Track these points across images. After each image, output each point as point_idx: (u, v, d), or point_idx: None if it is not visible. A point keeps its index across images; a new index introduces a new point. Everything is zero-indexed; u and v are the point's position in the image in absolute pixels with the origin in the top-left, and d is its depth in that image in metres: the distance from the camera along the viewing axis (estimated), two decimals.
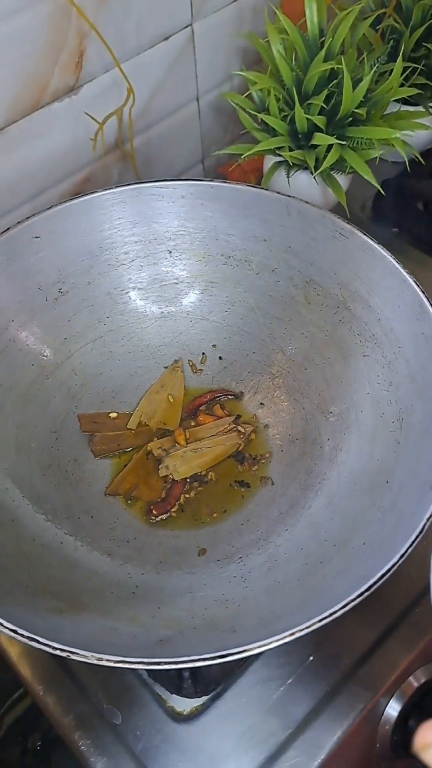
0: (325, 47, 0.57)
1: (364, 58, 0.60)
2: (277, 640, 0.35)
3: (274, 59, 0.59)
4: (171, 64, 0.68)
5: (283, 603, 0.43)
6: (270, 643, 0.35)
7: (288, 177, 0.63)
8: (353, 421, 0.52)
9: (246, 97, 0.64)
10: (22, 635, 0.36)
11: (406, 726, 0.50)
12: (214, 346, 0.60)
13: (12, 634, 0.36)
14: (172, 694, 0.48)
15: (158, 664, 0.35)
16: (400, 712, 0.49)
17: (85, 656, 0.35)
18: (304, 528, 0.49)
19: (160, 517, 0.52)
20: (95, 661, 0.35)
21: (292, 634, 0.36)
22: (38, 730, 0.66)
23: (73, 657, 0.35)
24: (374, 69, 0.58)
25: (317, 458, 0.53)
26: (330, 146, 0.58)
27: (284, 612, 0.41)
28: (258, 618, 0.42)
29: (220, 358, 0.59)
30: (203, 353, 0.60)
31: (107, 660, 0.35)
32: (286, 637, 0.36)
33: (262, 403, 0.57)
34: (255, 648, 0.35)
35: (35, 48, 0.56)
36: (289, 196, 0.54)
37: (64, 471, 0.53)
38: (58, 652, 0.35)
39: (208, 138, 0.79)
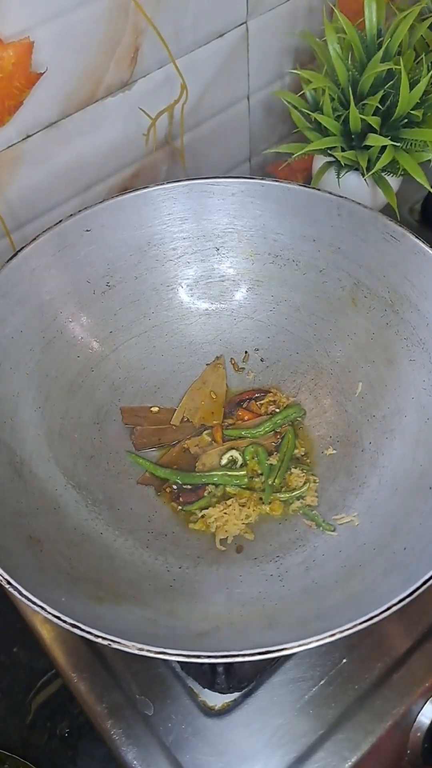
0: (383, 47, 0.57)
1: (421, 60, 0.59)
2: (317, 640, 0.35)
3: (330, 58, 0.59)
4: (224, 62, 0.68)
5: (321, 603, 0.43)
6: (310, 642, 0.35)
7: (338, 177, 0.62)
8: (396, 425, 0.51)
9: (299, 96, 0.64)
10: (65, 621, 0.36)
11: None
12: (257, 350, 0.60)
13: (55, 620, 0.36)
14: (204, 688, 0.48)
15: (198, 657, 0.35)
16: None
17: (127, 645, 0.35)
18: (343, 530, 0.49)
19: (188, 506, 0.52)
20: (136, 651, 0.35)
21: (333, 635, 0.36)
22: (67, 717, 0.68)
23: (114, 646, 0.36)
24: None
25: (358, 461, 0.52)
26: (383, 147, 0.58)
27: (323, 612, 0.41)
28: (296, 617, 0.42)
29: (261, 360, 0.60)
30: (246, 352, 0.60)
31: (148, 650, 0.35)
32: (326, 637, 0.36)
33: (303, 405, 0.57)
34: (294, 647, 0.35)
35: (92, 42, 0.57)
36: (340, 196, 0.53)
37: (105, 462, 0.54)
38: (99, 640, 0.36)
39: (256, 137, 0.79)
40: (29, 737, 0.66)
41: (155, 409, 0.57)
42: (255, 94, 0.74)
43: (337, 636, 0.36)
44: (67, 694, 0.68)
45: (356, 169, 0.63)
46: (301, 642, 0.35)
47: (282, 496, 0.52)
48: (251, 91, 0.74)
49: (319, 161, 0.65)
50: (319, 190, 0.54)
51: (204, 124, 0.71)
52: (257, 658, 0.35)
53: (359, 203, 0.53)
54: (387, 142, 0.56)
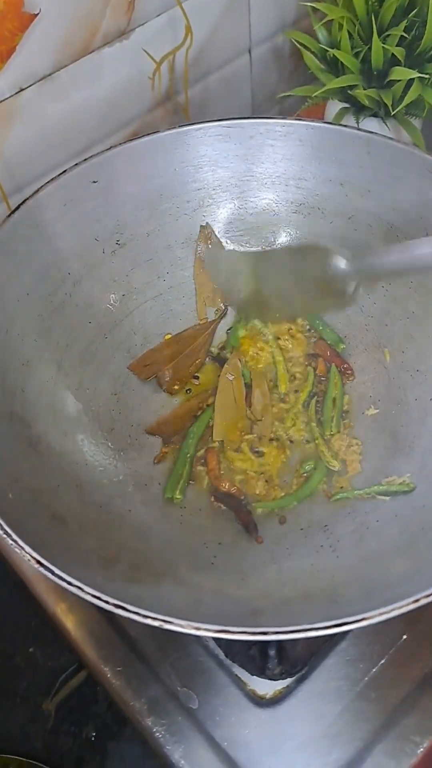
0: None
1: None
2: (399, 607, 0.31)
3: None
4: (224, 10, 0.64)
5: (386, 572, 0.38)
6: (392, 610, 0.31)
7: (357, 122, 0.58)
8: None
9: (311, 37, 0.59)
10: (107, 602, 0.31)
11: None
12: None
13: (95, 601, 0.32)
14: (253, 675, 0.44)
15: (265, 633, 0.30)
16: None
17: (181, 626, 0.31)
18: (396, 493, 0.45)
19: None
20: (192, 631, 0.31)
21: (417, 600, 0.31)
22: (91, 720, 0.63)
23: (166, 627, 0.31)
24: None
25: (404, 420, 0.48)
26: (409, 84, 0.53)
27: (391, 581, 0.36)
28: (360, 588, 0.37)
29: None
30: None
31: (206, 629, 0.31)
32: (410, 603, 0.31)
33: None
34: (375, 615, 0.31)
35: None
36: (369, 131, 0.49)
37: (127, 436, 0.49)
38: (149, 621, 0.31)
39: (259, 93, 0.74)
40: (53, 743, 0.60)
41: (168, 336, 0.53)
42: (257, 47, 0.70)
43: (422, 602, 0.31)
44: (90, 694, 0.63)
45: (375, 115, 0.59)
46: (382, 610, 0.31)
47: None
48: (253, 45, 0.69)
49: (334, 108, 0.61)
50: (345, 126, 0.50)
51: (204, 80, 0.67)
52: (333, 630, 0.30)
53: (391, 138, 0.49)
54: (414, 74, 0.52)
